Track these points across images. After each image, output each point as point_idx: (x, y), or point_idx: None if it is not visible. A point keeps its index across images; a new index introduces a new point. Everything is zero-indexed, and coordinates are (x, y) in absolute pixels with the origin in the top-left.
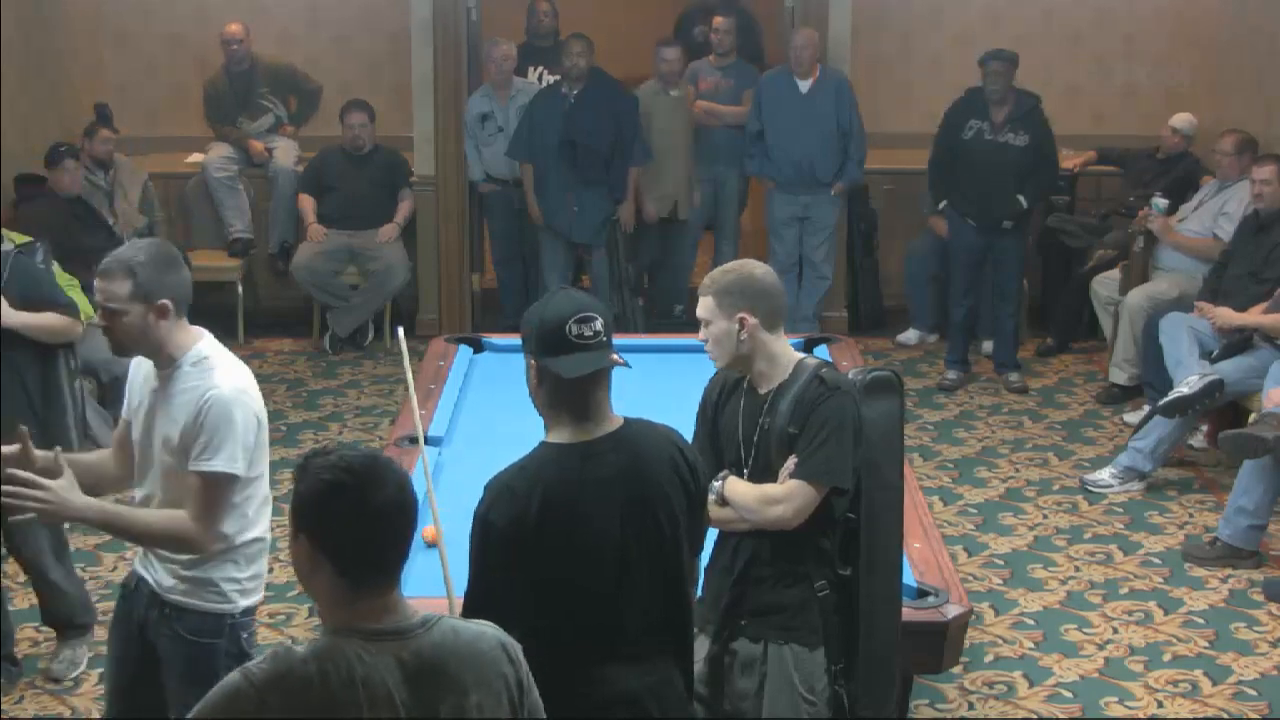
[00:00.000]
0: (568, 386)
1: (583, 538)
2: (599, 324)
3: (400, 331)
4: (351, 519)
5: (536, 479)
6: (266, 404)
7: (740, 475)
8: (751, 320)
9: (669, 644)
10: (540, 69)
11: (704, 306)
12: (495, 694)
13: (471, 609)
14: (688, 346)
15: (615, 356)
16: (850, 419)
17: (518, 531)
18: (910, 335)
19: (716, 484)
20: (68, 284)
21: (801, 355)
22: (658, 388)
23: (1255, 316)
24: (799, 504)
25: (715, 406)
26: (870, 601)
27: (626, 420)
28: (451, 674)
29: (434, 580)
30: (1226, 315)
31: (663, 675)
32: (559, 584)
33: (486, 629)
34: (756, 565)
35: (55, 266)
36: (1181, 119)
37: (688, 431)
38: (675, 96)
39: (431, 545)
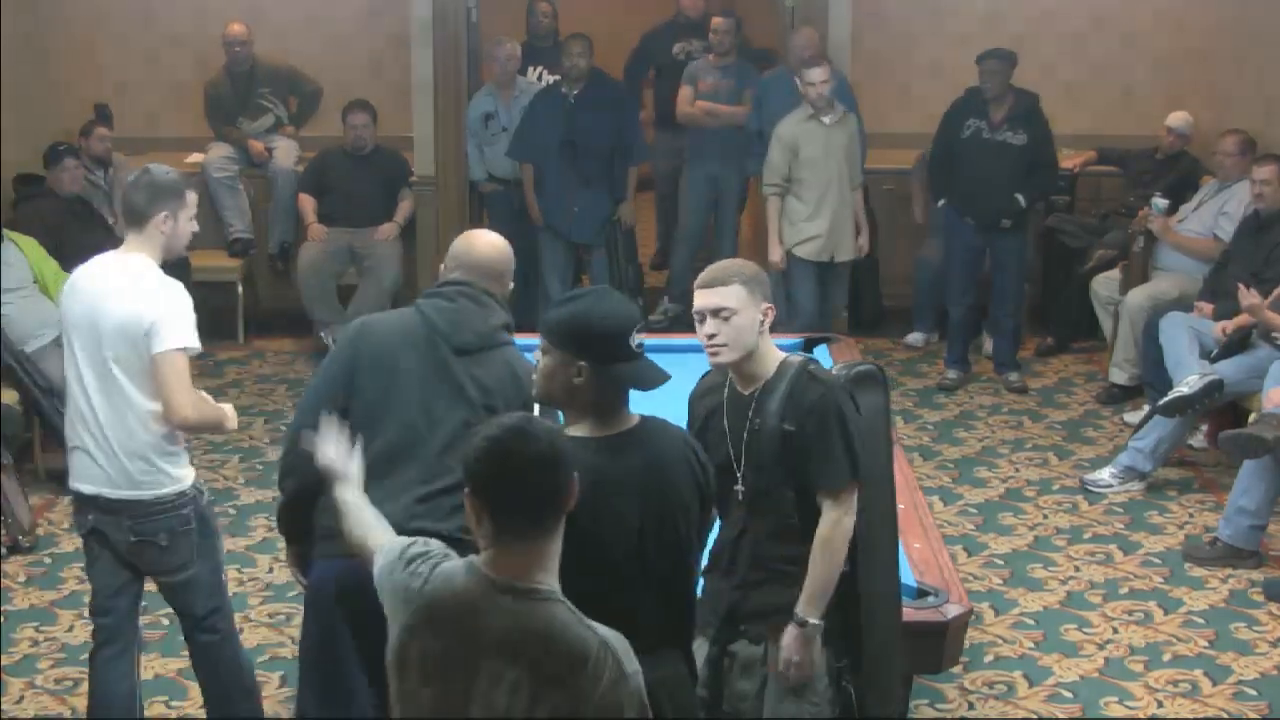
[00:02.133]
0: (612, 389)
1: (604, 529)
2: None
3: None
4: (502, 473)
5: None
6: (266, 403)
7: (734, 477)
8: (773, 313)
9: (676, 637)
10: (540, 69)
11: (732, 295)
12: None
13: None
14: (685, 347)
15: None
16: (850, 411)
17: None
18: (916, 337)
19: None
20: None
21: (785, 354)
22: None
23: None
24: (854, 504)
25: (698, 414)
26: (870, 596)
27: (642, 418)
28: (551, 654)
29: None
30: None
31: (673, 668)
32: (578, 574)
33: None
34: (755, 568)
35: (54, 266)
36: (1178, 118)
37: None
38: (828, 123)
39: None
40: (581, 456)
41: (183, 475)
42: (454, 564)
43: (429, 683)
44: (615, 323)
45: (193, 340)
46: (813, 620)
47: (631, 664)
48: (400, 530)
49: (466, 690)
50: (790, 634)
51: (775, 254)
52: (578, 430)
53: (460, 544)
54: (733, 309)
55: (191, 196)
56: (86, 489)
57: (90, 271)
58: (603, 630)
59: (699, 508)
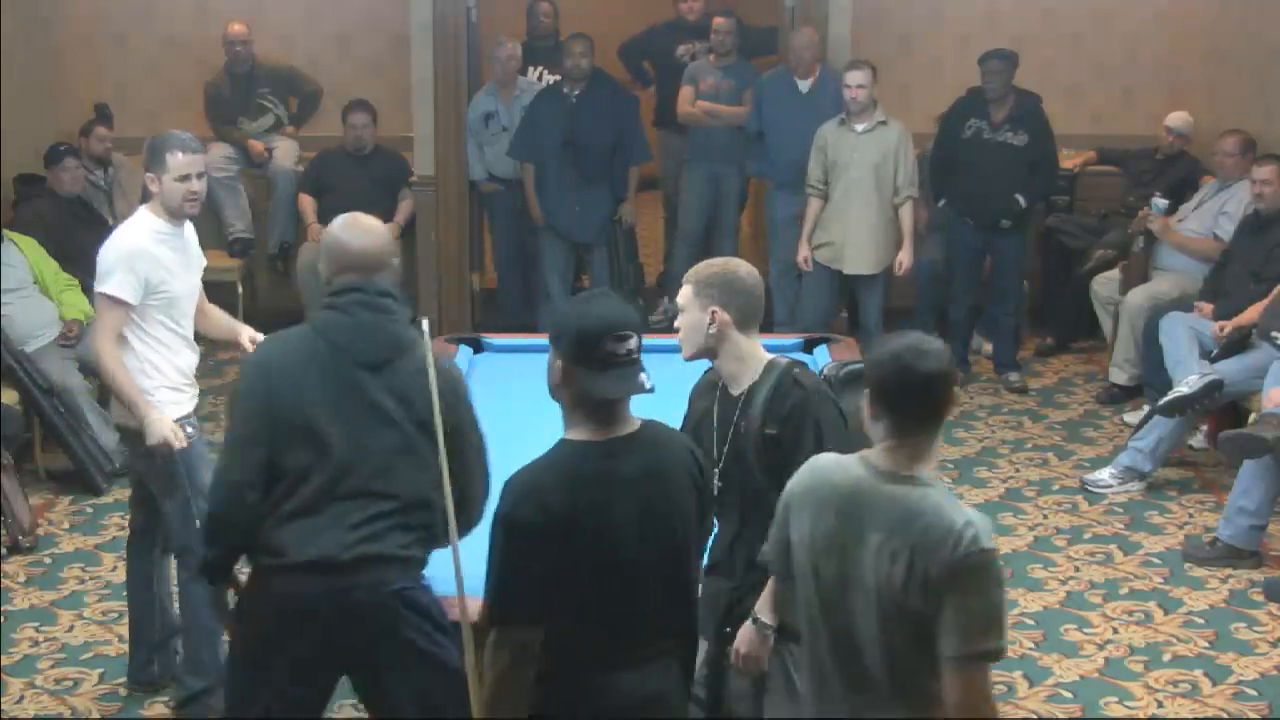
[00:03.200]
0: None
1: (604, 535)
2: (633, 341)
3: (424, 323)
4: (903, 385)
5: (562, 475)
6: None
7: (713, 476)
8: (723, 316)
9: (674, 648)
10: (540, 69)
11: (682, 294)
12: None
13: (497, 607)
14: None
15: (644, 379)
16: (829, 418)
17: (544, 526)
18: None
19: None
20: (67, 284)
21: (772, 356)
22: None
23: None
24: None
25: (695, 410)
26: None
27: (644, 423)
28: (926, 528)
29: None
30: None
31: (667, 682)
32: (579, 580)
33: None
34: (752, 569)
35: (54, 266)
36: (1177, 118)
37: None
38: (860, 131)
39: None
40: (573, 461)
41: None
42: (849, 458)
43: (827, 556)
44: (592, 325)
45: (115, 290)
46: (764, 619)
47: (989, 541)
48: (340, 561)
49: (859, 558)
50: (746, 629)
51: (801, 253)
52: (575, 434)
53: (406, 562)
54: (681, 307)
55: (179, 159)
56: None
57: None
58: (970, 512)
59: (698, 515)
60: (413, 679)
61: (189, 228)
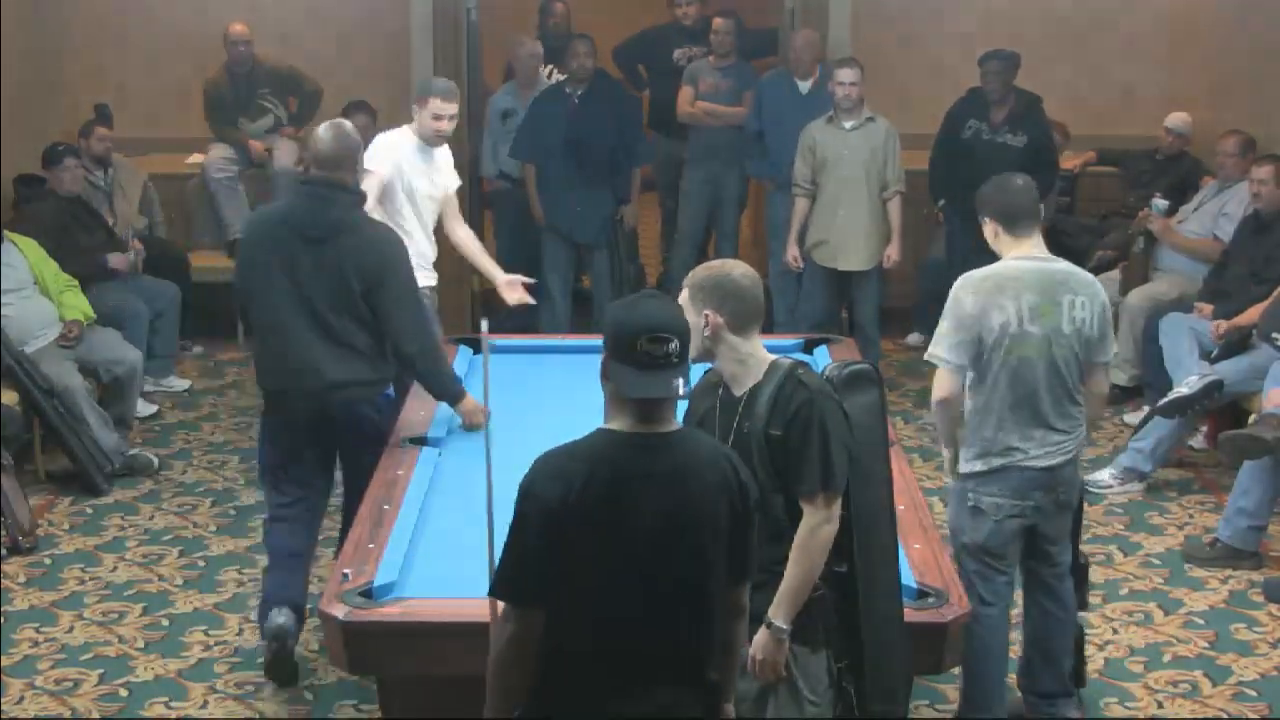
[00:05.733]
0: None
1: (623, 528)
2: (673, 345)
3: (484, 324)
4: None
5: (586, 459)
6: None
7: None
8: (716, 319)
9: (688, 672)
10: (552, 68)
11: (681, 297)
12: None
13: (501, 579)
14: None
15: (679, 384)
16: (834, 419)
17: (560, 508)
18: (916, 338)
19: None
20: (67, 284)
21: (775, 356)
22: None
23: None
24: (832, 513)
25: (696, 411)
26: (870, 597)
27: (685, 428)
28: None
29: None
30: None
31: (677, 710)
32: (590, 572)
33: None
34: (756, 570)
35: (54, 267)
36: (1176, 119)
37: None
38: (849, 128)
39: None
40: (604, 448)
41: None
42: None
43: (1033, 322)
44: (632, 324)
45: (374, 165)
46: (778, 623)
47: None
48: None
49: (1061, 312)
50: (760, 634)
51: (790, 252)
52: (613, 424)
53: (379, 383)
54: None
55: (436, 103)
56: None
57: None
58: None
59: (730, 526)
60: (356, 457)
61: (442, 151)
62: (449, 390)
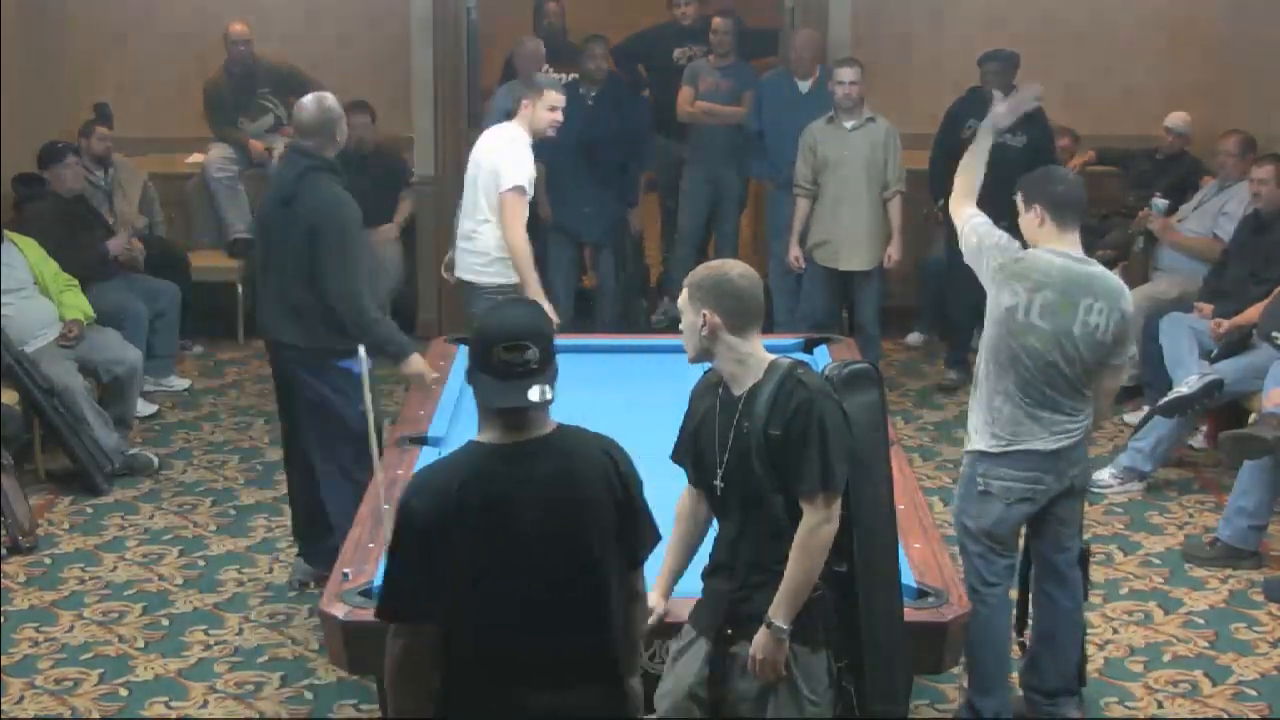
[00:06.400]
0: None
1: (504, 536)
2: (531, 353)
3: (361, 351)
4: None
5: (458, 473)
6: (266, 404)
7: (714, 477)
8: (714, 319)
9: (600, 670)
10: (547, 68)
11: (680, 298)
12: None
13: (386, 597)
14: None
15: (535, 391)
16: (834, 419)
17: (436, 523)
18: (915, 337)
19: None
20: (67, 284)
21: (774, 356)
22: (660, 388)
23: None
24: (832, 513)
25: (697, 410)
26: (870, 597)
27: (560, 427)
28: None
29: None
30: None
31: (585, 710)
32: (479, 582)
33: None
34: (755, 570)
35: (54, 266)
36: (1176, 118)
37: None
38: (849, 128)
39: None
40: (477, 461)
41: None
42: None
43: (1042, 317)
44: (487, 332)
45: (526, 182)
46: (778, 622)
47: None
48: (270, 345)
49: (1075, 315)
50: (761, 634)
51: (791, 252)
52: (484, 436)
53: (330, 353)
54: (680, 310)
55: (552, 95)
56: None
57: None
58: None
59: (620, 519)
60: (304, 415)
61: None
62: (386, 351)
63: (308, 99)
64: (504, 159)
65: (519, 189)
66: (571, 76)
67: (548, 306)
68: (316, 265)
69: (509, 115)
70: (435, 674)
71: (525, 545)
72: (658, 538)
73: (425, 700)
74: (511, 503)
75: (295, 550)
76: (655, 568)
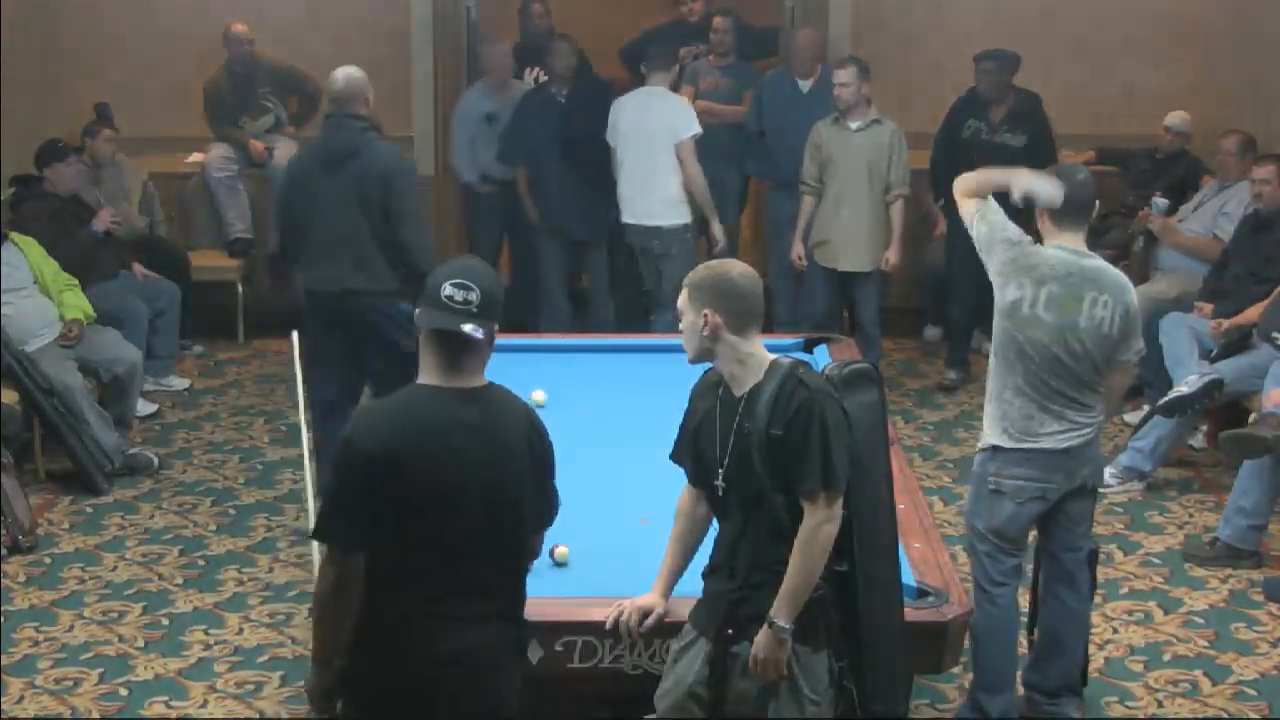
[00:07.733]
0: (434, 337)
1: (440, 475)
2: (474, 294)
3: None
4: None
5: (400, 410)
6: (266, 403)
7: (715, 477)
8: (714, 319)
9: (504, 606)
10: (537, 70)
11: (680, 298)
12: None
13: (322, 523)
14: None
15: (467, 327)
16: (834, 419)
17: (375, 454)
18: (931, 331)
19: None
20: (67, 284)
21: (775, 356)
22: (660, 388)
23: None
24: (834, 512)
25: (696, 410)
26: (870, 596)
27: (491, 384)
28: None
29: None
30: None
31: (494, 639)
32: (406, 517)
33: None
34: (756, 570)
35: (54, 266)
36: (1176, 117)
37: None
38: (854, 128)
39: None
40: (419, 400)
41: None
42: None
43: (1047, 310)
44: (439, 273)
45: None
46: (780, 622)
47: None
48: (333, 296)
49: (1080, 308)
50: (762, 634)
51: (795, 250)
52: (424, 379)
53: (395, 294)
54: (680, 310)
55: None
56: None
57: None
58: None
59: (536, 481)
60: (373, 352)
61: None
62: None
63: (337, 72)
64: (684, 109)
65: (696, 136)
66: (544, 77)
67: (718, 229)
68: (393, 214)
69: (487, 119)
70: (356, 609)
71: (457, 483)
72: (558, 508)
73: (348, 633)
74: (448, 441)
75: (298, 546)
76: (649, 565)
